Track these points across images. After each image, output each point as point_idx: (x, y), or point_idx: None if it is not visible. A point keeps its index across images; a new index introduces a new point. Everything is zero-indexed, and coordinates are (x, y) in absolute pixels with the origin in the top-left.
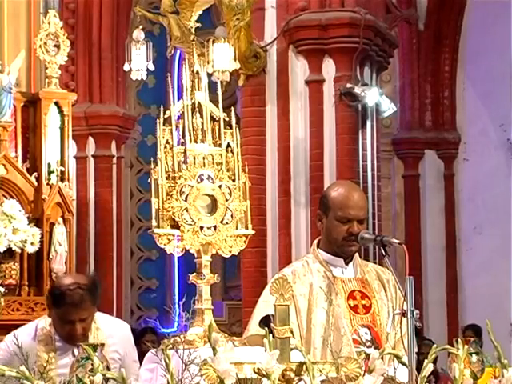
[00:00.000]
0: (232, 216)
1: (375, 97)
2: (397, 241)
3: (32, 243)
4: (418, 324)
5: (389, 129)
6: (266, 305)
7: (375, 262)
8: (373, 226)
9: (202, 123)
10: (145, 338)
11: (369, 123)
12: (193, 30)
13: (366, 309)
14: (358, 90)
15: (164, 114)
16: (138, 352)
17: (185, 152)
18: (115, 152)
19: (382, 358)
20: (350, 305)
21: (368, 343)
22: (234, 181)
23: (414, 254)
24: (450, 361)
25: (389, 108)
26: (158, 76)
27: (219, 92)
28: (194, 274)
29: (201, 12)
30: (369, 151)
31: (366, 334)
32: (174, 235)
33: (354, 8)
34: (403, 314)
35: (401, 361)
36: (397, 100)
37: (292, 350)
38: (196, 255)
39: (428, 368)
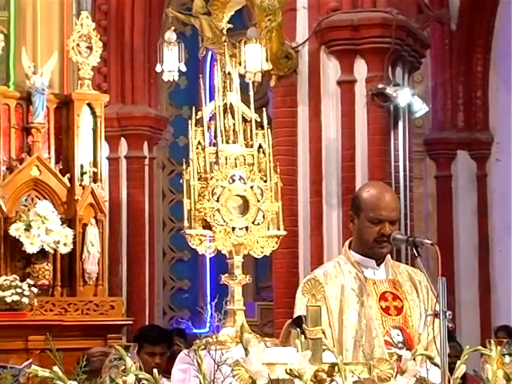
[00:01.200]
0: (264, 217)
1: (407, 97)
2: (429, 241)
3: (65, 244)
4: (450, 325)
5: (421, 129)
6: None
7: (407, 263)
8: (405, 227)
9: (234, 124)
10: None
11: (401, 124)
12: (224, 31)
13: (398, 310)
14: (389, 90)
15: (196, 114)
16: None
17: (216, 153)
18: (147, 153)
19: (414, 359)
20: (381, 306)
21: (400, 345)
22: (265, 181)
23: (446, 255)
24: (483, 362)
25: (421, 108)
26: (189, 77)
27: (251, 93)
28: (226, 274)
29: (232, 13)
30: (401, 152)
31: (398, 335)
32: (205, 236)
33: (386, 8)
34: (436, 315)
35: (433, 362)
36: (429, 100)
37: (324, 350)
38: (228, 256)
39: (461, 369)
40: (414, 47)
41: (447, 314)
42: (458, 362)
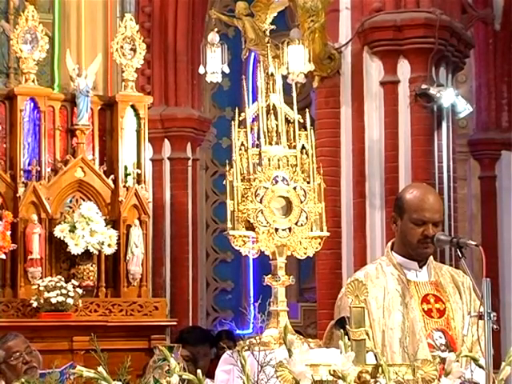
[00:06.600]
0: (307, 218)
1: (451, 97)
2: (473, 242)
3: (109, 245)
4: (495, 326)
5: (465, 130)
6: None
7: (451, 265)
8: (449, 228)
9: (277, 125)
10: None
11: (444, 124)
12: (267, 33)
13: (440, 312)
14: (433, 90)
15: (239, 116)
16: (214, 355)
17: (260, 154)
18: (190, 154)
19: (458, 361)
20: (423, 309)
21: (442, 347)
22: (308, 182)
23: (490, 256)
24: None
25: (465, 109)
26: (232, 78)
27: (294, 94)
28: (269, 275)
29: (275, 14)
30: (444, 152)
31: (441, 337)
32: (249, 237)
33: (430, 8)
34: (480, 317)
35: (478, 363)
36: (473, 101)
37: (367, 352)
38: (271, 257)
39: (506, 371)
40: (457, 47)
41: (492, 315)
42: (503, 364)
